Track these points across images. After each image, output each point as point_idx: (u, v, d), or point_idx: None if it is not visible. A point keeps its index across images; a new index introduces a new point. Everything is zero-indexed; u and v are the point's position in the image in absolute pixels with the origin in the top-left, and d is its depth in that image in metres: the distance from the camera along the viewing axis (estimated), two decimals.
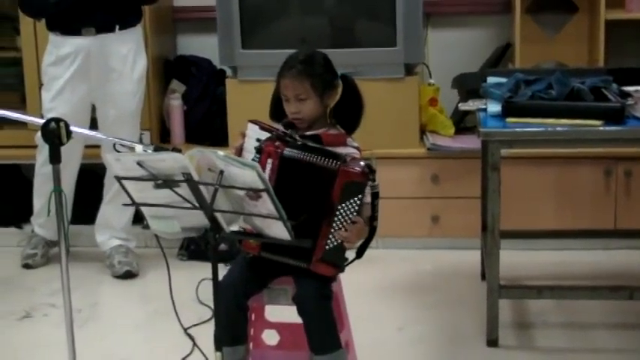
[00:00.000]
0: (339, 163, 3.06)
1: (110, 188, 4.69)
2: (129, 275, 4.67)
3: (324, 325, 3.15)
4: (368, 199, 3.10)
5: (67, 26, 4.49)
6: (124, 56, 4.55)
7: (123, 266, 4.69)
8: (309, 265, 3.11)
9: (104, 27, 4.49)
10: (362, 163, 3.09)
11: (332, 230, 3.08)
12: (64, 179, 4.65)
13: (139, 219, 4.78)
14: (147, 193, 2.80)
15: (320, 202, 3.06)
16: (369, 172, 3.07)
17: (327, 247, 3.09)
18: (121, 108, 4.58)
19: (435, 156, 4.84)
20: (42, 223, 4.83)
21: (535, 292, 3.94)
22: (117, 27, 4.51)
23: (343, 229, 3.06)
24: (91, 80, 4.54)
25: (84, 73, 4.52)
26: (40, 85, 4.71)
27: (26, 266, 4.85)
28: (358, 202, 3.06)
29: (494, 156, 3.72)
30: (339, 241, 3.08)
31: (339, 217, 3.07)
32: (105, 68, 4.52)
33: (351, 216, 3.06)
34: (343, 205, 3.06)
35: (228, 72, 5.08)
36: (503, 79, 4.02)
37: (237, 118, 4.74)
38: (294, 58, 3.25)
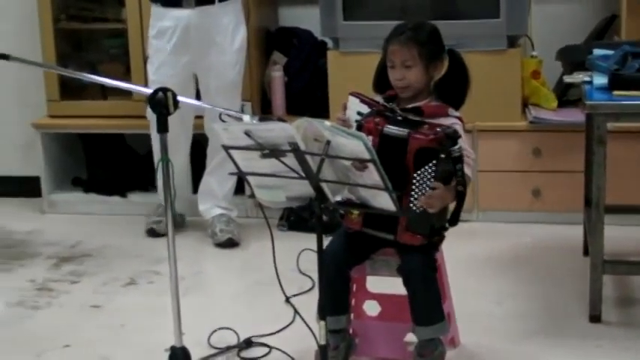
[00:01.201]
0: (408, 131, 3.05)
1: (213, 158, 4.75)
2: (230, 243, 4.71)
3: (429, 296, 3.16)
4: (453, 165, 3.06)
5: None
6: (224, 28, 4.59)
7: (225, 234, 4.73)
8: (395, 236, 3.12)
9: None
10: (438, 129, 3.07)
11: (411, 199, 3.07)
12: (181, 150, 4.78)
13: (239, 189, 4.88)
14: (253, 162, 2.84)
15: (400, 172, 3.06)
16: (445, 137, 3.05)
17: (409, 217, 3.09)
18: (222, 79, 4.62)
19: (537, 129, 4.78)
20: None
21: (639, 268, 3.89)
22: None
23: (422, 196, 3.05)
24: (192, 52, 4.59)
25: (185, 45, 4.57)
26: (145, 57, 4.78)
27: (151, 231, 4.88)
28: (433, 168, 3.04)
29: (600, 129, 3.66)
30: (421, 208, 3.07)
31: (417, 184, 3.06)
32: (205, 40, 4.56)
33: (428, 182, 3.05)
34: (419, 172, 3.05)
35: (330, 43, 5.09)
36: (609, 52, 3.95)
37: (338, 90, 4.75)
38: (404, 25, 3.26)
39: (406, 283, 3.17)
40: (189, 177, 4.97)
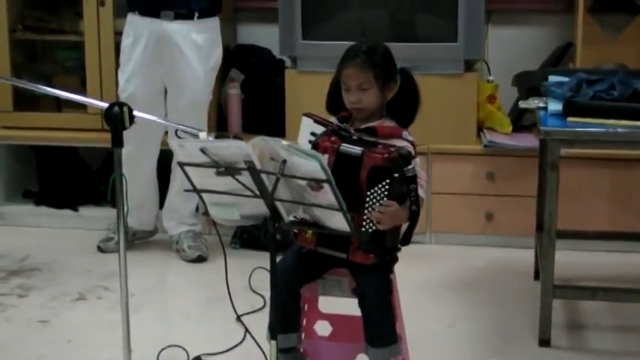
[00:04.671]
0: (362, 149, 3.06)
1: (176, 175, 4.70)
2: (200, 259, 4.70)
3: (383, 318, 3.15)
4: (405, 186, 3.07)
5: (147, 7, 4.51)
6: (199, 46, 4.54)
7: (194, 251, 4.72)
8: (348, 254, 3.11)
9: (183, 13, 4.50)
10: (392, 148, 3.07)
11: (364, 217, 3.07)
12: (147, 165, 4.71)
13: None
14: (208, 179, 2.81)
15: (354, 191, 3.06)
16: (399, 157, 3.05)
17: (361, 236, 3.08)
18: (191, 97, 4.57)
19: (492, 153, 4.82)
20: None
21: (589, 294, 3.92)
22: (196, 15, 4.52)
23: (374, 212, 3.04)
24: (165, 64, 4.55)
25: (158, 57, 4.53)
26: (117, 66, 4.74)
27: (98, 249, 4.85)
28: (387, 187, 3.03)
29: (554, 155, 3.70)
30: (374, 227, 3.07)
31: (369, 203, 3.05)
32: (179, 55, 4.52)
33: (381, 201, 3.05)
34: (372, 190, 3.05)
35: (288, 62, 5.09)
36: (564, 78, 3.99)
37: (295, 109, 4.75)
38: (358, 47, 3.24)
39: (361, 304, 3.16)
40: (157, 193, 4.92)
